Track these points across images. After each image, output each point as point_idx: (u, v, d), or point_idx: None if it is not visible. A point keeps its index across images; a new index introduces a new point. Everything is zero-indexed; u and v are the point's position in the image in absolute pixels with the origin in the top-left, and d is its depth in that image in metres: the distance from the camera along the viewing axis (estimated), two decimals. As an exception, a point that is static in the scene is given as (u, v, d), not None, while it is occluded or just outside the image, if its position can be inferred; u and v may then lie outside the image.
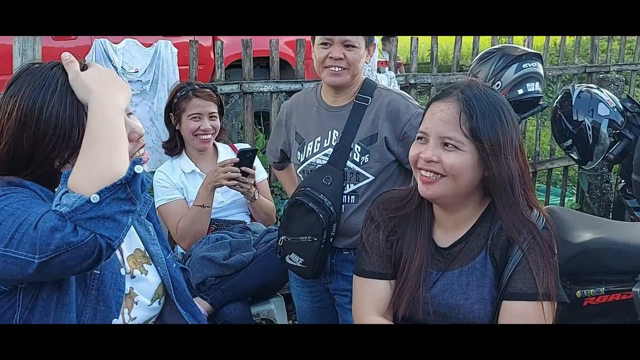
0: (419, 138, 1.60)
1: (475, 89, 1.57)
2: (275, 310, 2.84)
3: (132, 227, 1.51)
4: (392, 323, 1.63)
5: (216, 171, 2.58)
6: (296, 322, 2.71)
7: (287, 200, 2.58)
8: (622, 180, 3.91)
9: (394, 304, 1.63)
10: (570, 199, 4.96)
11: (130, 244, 1.52)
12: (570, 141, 3.35)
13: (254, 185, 2.72)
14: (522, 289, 1.53)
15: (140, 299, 1.48)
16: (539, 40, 6.21)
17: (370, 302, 1.65)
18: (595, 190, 4.41)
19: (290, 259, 2.17)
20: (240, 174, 2.60)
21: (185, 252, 2.69)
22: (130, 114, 1.42)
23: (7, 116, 1.31)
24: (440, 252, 1.63)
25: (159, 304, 1.55)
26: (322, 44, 2.07)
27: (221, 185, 2.61)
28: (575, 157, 3.43)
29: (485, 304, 1.57)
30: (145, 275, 1.51)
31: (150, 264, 1.54)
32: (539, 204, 1.64)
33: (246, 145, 3.01)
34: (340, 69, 2.05)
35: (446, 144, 1.53)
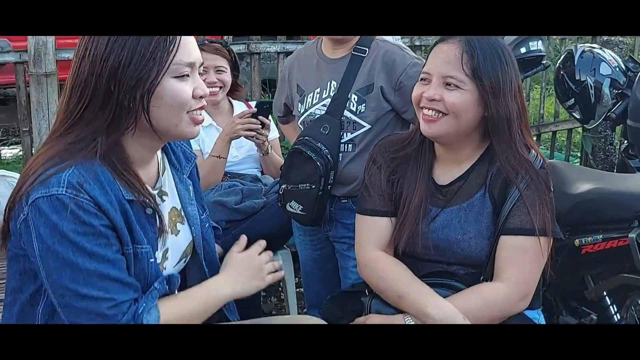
0: (422, 79, 1.66)
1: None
2: (282, 263, 2.93)
3: (173, 185, 1.56)
4: (391, 256, 1.70)
5: (234, 122, 2.66)
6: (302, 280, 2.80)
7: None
8: (625, 141, 3.95)
9: (394, 239, 1.70)
10: (575, 162, 5.00)
11: (171, 202, 1.54)
12: (572, 100, 3.39)
13: (267, 140, 2.80)
14: (520, 225, 1.60)
15: (170, 257, 1.52)
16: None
17: (372, 238, 1.72)
18: (599, 152, 4.44)
19: (290, 206, 2.23)
20: (259, 125, 2.67)
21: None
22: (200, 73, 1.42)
23: (83, 56, 1.31)
24: (440, 189, 1.70)
25: (184, 262, 1.59)
26: None
27: (239, 137, 2.69)
28: (578, 117, 3.47)
29: (482, 238, 1.64)
30: (176, 235, 1.53)
31: (184, 223, 1.56)
32: (535, 145, 1.70)
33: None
34: None
35: (448, 84, 1.59)
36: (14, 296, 1.38)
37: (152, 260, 1.38)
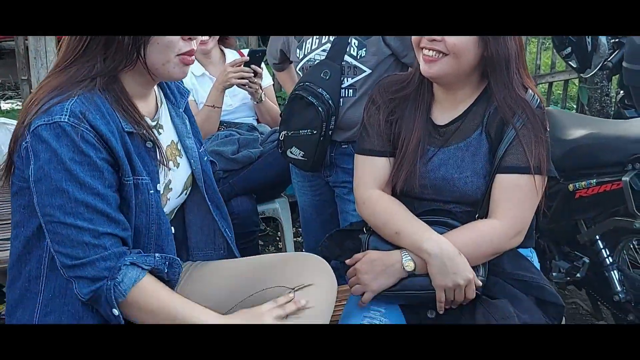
0: None
1: None
2: (280, 210, 2.97)
3: (170, 120, 1.58)
4: (389, 195, 1.73)
5: (226, 71, 2.66)
6: (300, 230, 2.83)
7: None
8: (621, 91, 3.95)
9: (392, 179, 1.72)
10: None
11: (168, 136, 1.57)
12: (569, 49, 3.37)
13: (260, 87, 2.80)
14: (515, 163, 1.62)
15: (174, 189, 1.55)
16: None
17: (371, 177, 1.74)
18: (595, 103, 4.44)
19: (291, 152, 2.24)
20: (251, 74, 2.67)
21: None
22: None
23: None
24: (438, 129, 1.72)
25: (185, 194, 1.63)
26: None
27: (232, 85, 2.69)
28: (574, 65, 3.46)
29: (478, 177, 1.66)
30: (177, 167, 1.57)
31: (182, 157, 1.59)
32: (532, 85, 1.71)
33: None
34: None
35: None
36: (17, 230, 1.41)
37: (152, 192, 1.40)
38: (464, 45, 1.59)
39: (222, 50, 2.97)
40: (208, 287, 1.51)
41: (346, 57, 2.15)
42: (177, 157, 1.57)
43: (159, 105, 1.54)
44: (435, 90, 1.73)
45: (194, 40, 1.42)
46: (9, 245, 1.45)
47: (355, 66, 2.15)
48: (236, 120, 2.95)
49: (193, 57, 1.43)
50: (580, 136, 2.48)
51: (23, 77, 3.17)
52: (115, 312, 1.30)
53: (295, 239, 3.31)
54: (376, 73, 2.14)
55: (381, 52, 2.14)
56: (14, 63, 3.31)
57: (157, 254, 1.37)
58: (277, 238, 3.73)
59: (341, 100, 2.17)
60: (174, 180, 1.54)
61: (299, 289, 1.51)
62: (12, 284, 1.43)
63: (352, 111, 2.16)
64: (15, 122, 3.16)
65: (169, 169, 1.51)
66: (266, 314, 1.41)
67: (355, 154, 1.81)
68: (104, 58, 1.35)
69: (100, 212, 1.30)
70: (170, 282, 1.41)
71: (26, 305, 1.39)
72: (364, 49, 2.14)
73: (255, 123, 3.00)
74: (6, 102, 4.89)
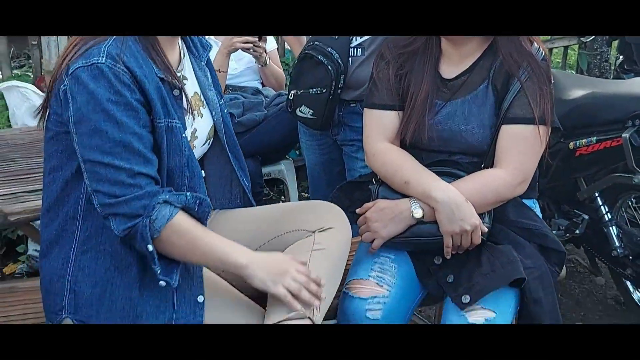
0: None
1: None
2: (285, 171, 3.03)
3: (192, 72, 1.62)
4: (398, 147, 1.79)
5: (232, 37, 2.69)
6: (307, 190, 2.87)
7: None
8: (621, 56, 3.99)
9: (401, 132, 1.78)
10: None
11: (192, 87, 1.60)
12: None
13: (265, 51, 2.84)
14: (521, 114, 1.67)
15: (199, 137, 1.59)
16: None
17: (380, 131, 1.79)
18: (595, 69, 4.50)
19: (300, 111, 2.28)
20: (256, 38, 2.71)
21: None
22: None
23: None
24: (445, 83, 1.76)
25: (208, 145, 1.68)
26: None
27: (236, 50, 2.73)
28: (574, 29, 3.51)
29: (484, 128, 1.71)
30: (201, 118, 1.60)
31: (205, 108, 1.63)
32: (538, 39, 1.76)
33: None
34: None
35: None
36: (53, 175, 1.44)
37: (184, 135, 1.45)
38: None
39: None
40: (228, 232, 1.55)
41: None
42: (201, 108, 1.61)
43: (182, 57, 1.57)
44: (443, 45, 1.77)
45: None
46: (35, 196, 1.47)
47: None
48: (241, 84, 3.00)
49: None
50: (580, 96, 2.53)
51: (33, 42, 3.19)
52: (150, 247, 1.34)
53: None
54: None
55: None
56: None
57: (188, 193, 1.41)
58: (282, 199, 3.78)
59: (350, 59, 2.20)
60: (199, 129, 1.58)
61: (321, 231, 1.56)
62: (47, 226, 1.46)
63: (361, 70, 2.19)
64: (26, 85, 3.21)
65: (194, 118, 1.55)
66: (288, 276, 1.42)
67: (364, 109, 1.85)
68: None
69: (136, 152, 1.34)
70: (201, 219, 1.45)
71: (62, 244, 1.44)
72: None
73: (260, 86, 3.05)
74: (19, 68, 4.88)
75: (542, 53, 1.72)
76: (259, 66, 2.94)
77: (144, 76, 1.35)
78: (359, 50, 2.21)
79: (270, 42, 3.00)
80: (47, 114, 1.43)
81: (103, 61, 1.31)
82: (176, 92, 1.46)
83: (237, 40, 2.68)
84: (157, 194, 1.36)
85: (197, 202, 1.42)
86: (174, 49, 1.53)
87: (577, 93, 2.56)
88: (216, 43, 2.85)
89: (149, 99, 1.36)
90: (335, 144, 2.44)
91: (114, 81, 1.31)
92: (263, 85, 3.07)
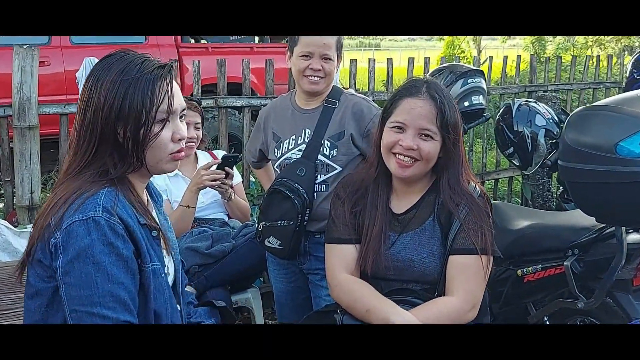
0: (396, 127, 1.91)
1: (436, 86, 1.93)
2: (252, 299, 3.13)
3: (156, 215, 1.68)
4: (358, 278, 1.94)
5: (200, 174, 2.87)
6: (273, 309, 2.95)
7: (257, 206, 2.82)
8: (561, 187, 4.29)
9: (360, 263, 1.94)
10: (516, 208, 5.33)
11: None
12: (512, 149, 3.71)
13: (231, 187, 3.03)
14: (464, 245, 1.87)
15: (170, 275, 1.65)
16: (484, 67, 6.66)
17: (340, 263, 1.97)
18: (538, 198, 4.78)
19: (268, 241, 2.44)
20: (223, 175, 2.90)
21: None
22: (182, 116, 1.57)
23: (85, 107, 1.46)
24: (397, 217, 1.97)
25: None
26: (302, 56, 2.38)
27: (205, 187, 2.90)
28: (517, 163, 3.79)
29: (434, 258, 1.90)
30: (171, 256, 1.68)
31: (169, 254, 1.67)
32: (474, 178, 2.00)
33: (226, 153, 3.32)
34: (318, 78, 2.38)
35: (425, 135, 1.88)
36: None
37: (163, 275, 1.55)
38: (434, 152, 1.88)
39: (195, 153, 3.21)
40: None
41: (319, 156, 2.41)
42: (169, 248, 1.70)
43: (148, 201, 1.69)
44: (394, 184, 1.99)
45: (182, 141, 1.57)
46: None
47: (328, 164, 2.40)
48: (208, 217, 3.14)
49: (182, 153, 1.58)
50: (524, 226, 2.76)
51: (6, 179, 3.29)
52: None
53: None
54: (346, 170, 2.39)
55: (351, 152, 2.41)
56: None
57: None
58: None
59: (315, 194, 2.40)
60: (170, 267, 1.67)
61: None
62: None
63: (325, 204, 2.36)
64: (2, 221, 3.27)
65: (170, 258, 1.65)
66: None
67: (325, 244, 2.03)
68: (113, 164, 1.49)
69: (122, 301, 1.39)
70: None
71: None
72: (335, 149, 2.40)
73: (226, 219, 3.20)
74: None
75: (478, 191, 1.95)
76: (224, 201, 3.10)
77: (134, 226, 1.46)
78: (324, 186, 2.42)
79: (236, 177, 3.18)
80: (24, 271, 1.47)
81: (100, 214, 1.39)
82: (154, 232, 1.55)
83: (206, 178, 2.85)
84: None
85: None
86: (144, 194, 1.64)
87: (521, 223, 2.79)
88: (183, 179, 3.02)
89: (139, 246, 1.46)
90: (302, 273, 2.58)
91: (109, 233, 1.38)
92: (229, 217, 3.22)
